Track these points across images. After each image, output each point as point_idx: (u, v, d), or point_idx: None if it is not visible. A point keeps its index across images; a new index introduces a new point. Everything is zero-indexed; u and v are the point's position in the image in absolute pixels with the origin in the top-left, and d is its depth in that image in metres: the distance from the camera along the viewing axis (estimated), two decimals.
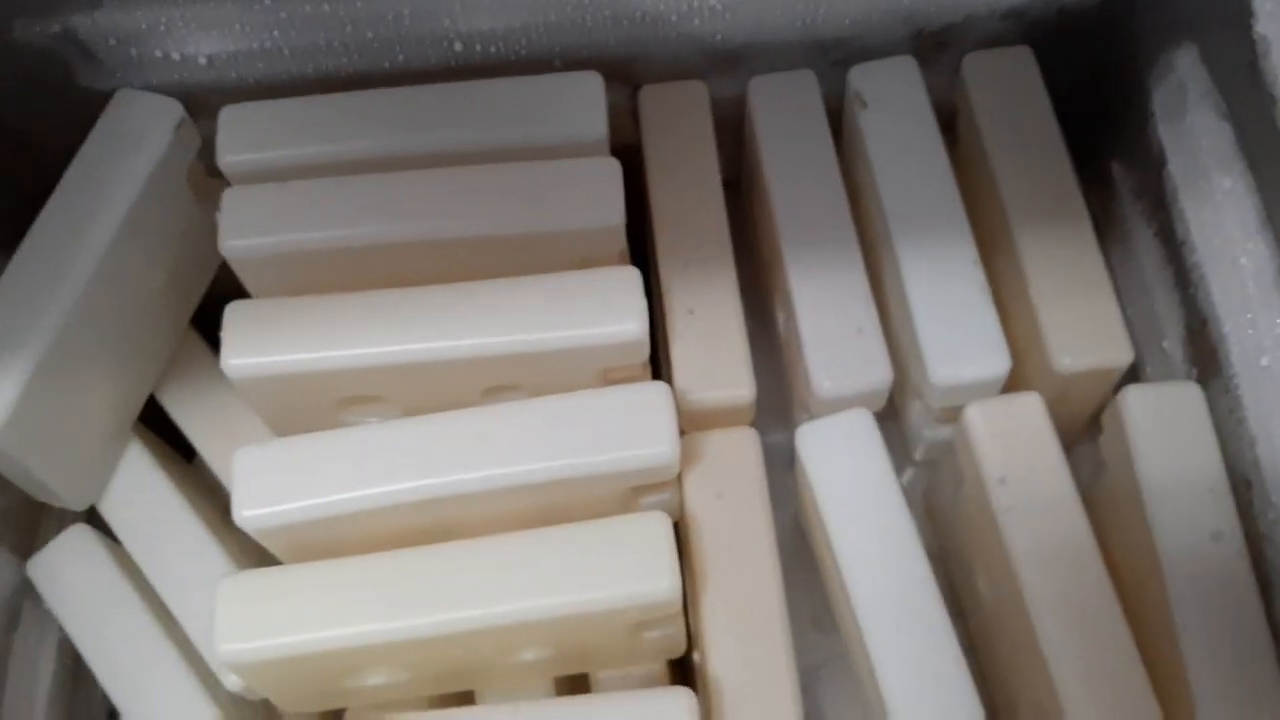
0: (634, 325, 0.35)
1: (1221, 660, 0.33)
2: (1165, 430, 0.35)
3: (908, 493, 0.36)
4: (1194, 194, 0.37)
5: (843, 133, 0.43)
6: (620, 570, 0.32)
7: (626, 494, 0.35)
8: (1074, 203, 0.39)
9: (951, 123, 0.43)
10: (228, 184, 0.38)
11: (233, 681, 0.36)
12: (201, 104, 0.40)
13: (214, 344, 0.37)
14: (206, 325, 0.41)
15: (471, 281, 0.36)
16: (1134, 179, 0.41)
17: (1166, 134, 0.38)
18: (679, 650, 0.36)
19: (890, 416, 0.41)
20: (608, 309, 0.35)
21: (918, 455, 0.42)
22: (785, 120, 0.41)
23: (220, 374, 0.36)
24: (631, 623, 0.33)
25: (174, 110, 0.39)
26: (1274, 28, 0.32)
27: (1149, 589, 0.35)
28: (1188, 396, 0.36)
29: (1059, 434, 0.36)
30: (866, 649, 0.34)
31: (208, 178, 0.40)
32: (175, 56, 0.40)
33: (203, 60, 0.40)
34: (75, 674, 0.40)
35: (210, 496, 0.41)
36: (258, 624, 0.33)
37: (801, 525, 0.41)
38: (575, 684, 0.37)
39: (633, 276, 0.36)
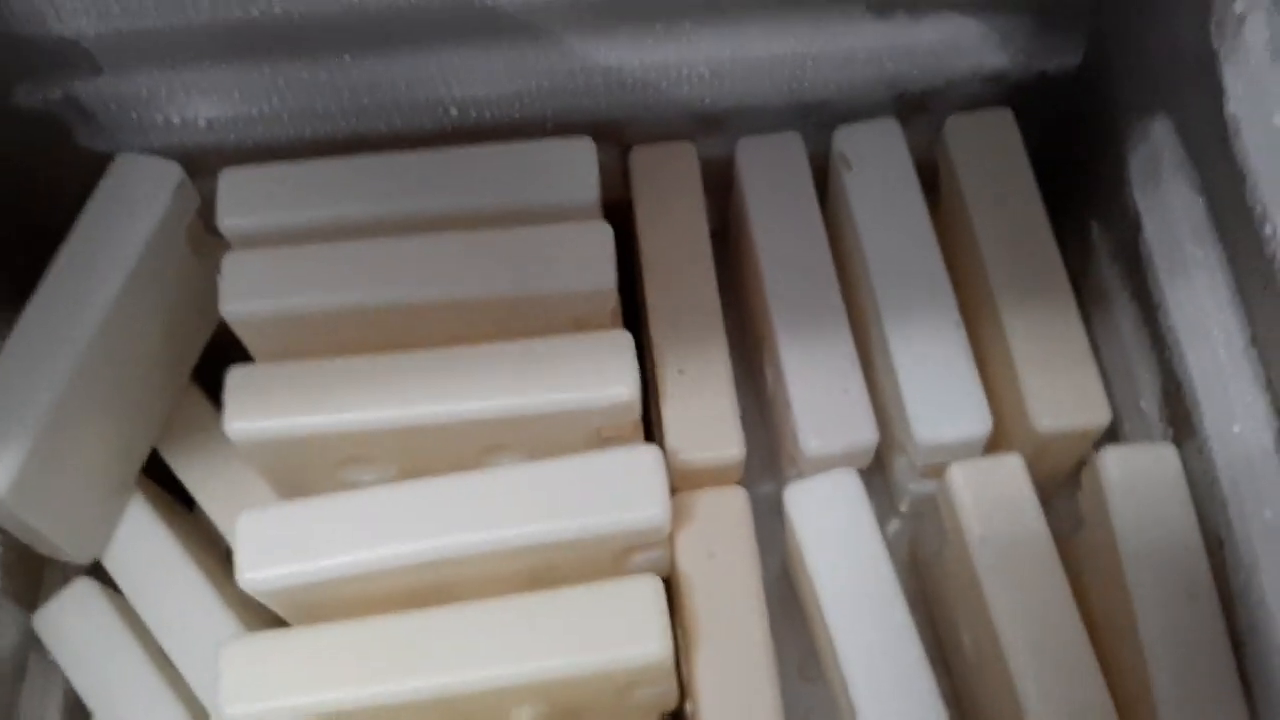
0: (626, 389, 0.36)
1: (1196, 718, 0.34)
2: (1142, 492, 0.36)
3: (893, 542, 0.37)
4: (1168, 262, 0.37)
5: (828, 193, 0.43)
6: (612, 635, 0.33)
7: (619, 552, 0.36)
8: (1054, 264, 0.40)
9: (934, 181, 0.44)
10: (226, 240, 0.39)
11: None
12: (201, 164, 0.40)
13: (214, 395, 0.38)
14: (206, 376, 0.42)
15: (468, 346, 0.37)
16: (1111, 240, 0.41)
17: (1142, 201, 0.39)
18: (671, 706, 0.37)
19: (877, 469, 0.42)
20: (601, 374, 0.36)
21: (903, 508, 0.43)
22: (772, 181, 0.42)
23: (220, 427, 0.36)
24: (623, 685, 0.34)
25: (173, 173, 0.39)
26: (1245, 109, 0.33)
27: (1126, 646, 0.35)
28: (1163, 459, 0.37)
29: (1039, 487, 0.37)
30: (851, 700, 0.35)
31: (207, 234, 0.41)
32: (175, 120, 0.40)
33: (203, 124, 0.41)
34: None
35: (211, 546, 0.42)
36: (261, 686, 0.33)
37: (790, 574, 0.42)
38: None
39: (625, 341, 0.37)
